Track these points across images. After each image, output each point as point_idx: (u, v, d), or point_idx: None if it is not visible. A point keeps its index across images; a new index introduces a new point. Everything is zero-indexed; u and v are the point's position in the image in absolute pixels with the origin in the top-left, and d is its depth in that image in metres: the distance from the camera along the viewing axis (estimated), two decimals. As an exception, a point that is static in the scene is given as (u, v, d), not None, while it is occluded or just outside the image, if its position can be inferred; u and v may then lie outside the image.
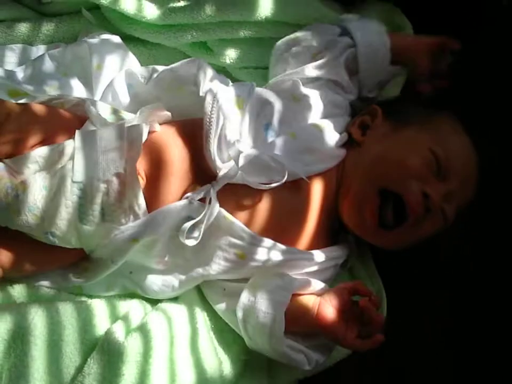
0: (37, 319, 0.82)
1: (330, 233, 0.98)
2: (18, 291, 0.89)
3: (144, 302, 0.92)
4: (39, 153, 0.85)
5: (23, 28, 1.10)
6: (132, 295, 0.93)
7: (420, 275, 1.05)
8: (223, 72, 1.14)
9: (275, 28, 1.10)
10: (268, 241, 0.90)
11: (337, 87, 1.02)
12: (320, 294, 0.91)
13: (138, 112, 0.92)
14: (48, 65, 1.03)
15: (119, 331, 0.82)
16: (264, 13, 1.08)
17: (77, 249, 0.89)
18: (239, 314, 0.88)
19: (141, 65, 1.07)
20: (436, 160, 0.93)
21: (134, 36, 1.11)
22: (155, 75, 0.98)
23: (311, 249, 0.94)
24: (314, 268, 0.94)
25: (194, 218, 0.87)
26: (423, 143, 0.94)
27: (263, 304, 0.87)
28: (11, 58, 1.07)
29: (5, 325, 0.80)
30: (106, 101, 0.98)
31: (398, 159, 0.93)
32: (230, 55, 1.12)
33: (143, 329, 0.83)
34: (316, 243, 0.95)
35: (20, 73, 1.02)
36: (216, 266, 0.91)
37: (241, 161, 0.88)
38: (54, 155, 0.86)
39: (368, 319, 0.86)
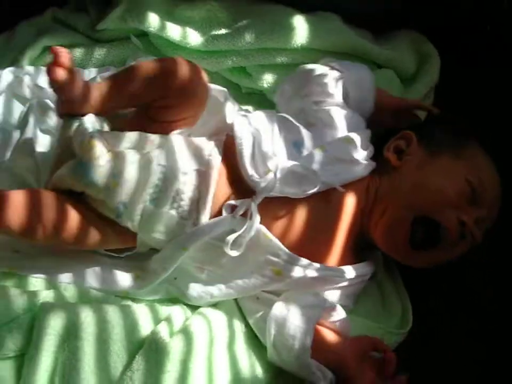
0: (89, 318, 0.88)
1: (359, 248, 1.03)
2: (70, 293, 0.95)
3: (185, 307, 0.98)
4: (133, 135, 0.93)
5: (77, 52, 1.19)
6: (173, 301, 0.98)
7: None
8: (260, 96, 1.22)
9: (309, 55, 1.18)
10: (303, 260, 0.94)
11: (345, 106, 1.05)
12: (342, 326, 0.94)
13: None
14: (99, 85, 1.12)
15: (164, 332, 0.88)
16: (299, 41, 1.15)
17: (126, 238, 0.95)
18: (271, 324, 0.92)
19: None
20: (471, 190, 0.97)
21: (178, 61, 1.20)
22: None
23: (342, 265, 0.98)
24: (344, 284, 0.98)
25: (236, 231, 0.92)
26: (459, 173, 0.97)
27: (295, 318, 0.91)
28: (66, 81, 1.17)
29: (60, 322, 0.86)
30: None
31: (437, 189, 0.96)
32: (268, 79, 1.19)
33: (186, 331, 0.88)
34: (346, 258, 1.00)
35: (75, 94, 1.11)
36: (254, 280, 0.95)
37: (278, 174, 0.93)
38: (145, 141, 0.94)
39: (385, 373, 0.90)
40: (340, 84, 1.04)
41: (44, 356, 0.85)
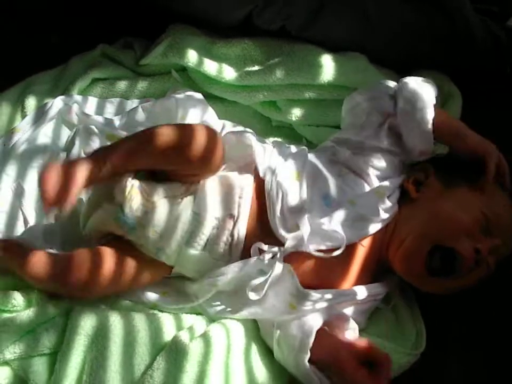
0: (117, 321, 0.95)
1: (375, 272, 1.06)
2: (102, 302, 1.01)
3: (206, 318, 1.03)
4: (170, 184, 0.99)
5: (122, 85, 1.28)
6: (197, 312, 1.04)
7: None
8: (289, 129, 1.28)
9: (336, 91, 1.24)
10: (315, 296, 0.98)
11: (385, 152, 1.06)
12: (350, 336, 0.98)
13: (230, 162, 1.03)
14: (140, 115, 1.18)
15: (184, 336, 0.94)
16: (326, 77, 1.22)
17: (166, 268, 1.02)
18: (276, 324, 0.98)
19: (218, 118, 1.20)
20: (485, 220, 1.00)
21: (213, 94, 1.26)
22: (223, 131, 1.11)
23: (356, 285, 1.02)
24: (356, 302, 1.02)
25: (263, 271, 0.97)
26: (475, 205, 1.01)
27: (300, 320, 0.97)
28: (110, 109, 1.25)
29: (90, 323, 0.93)
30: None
31: (452, 218, 1.00)
32: (296, 113, 1.25)
33: (205, 336, 0.94)
34: (361, 280, 1.04)
35: (117, 121, 1.18)
36: (269, 312, 1.00)
37: (306, 235, 0.97)
38: (178, 188, 0.99)
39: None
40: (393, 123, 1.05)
41: (74, 354, 0.92)
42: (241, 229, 0.99)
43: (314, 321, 0.97)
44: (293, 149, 1.11)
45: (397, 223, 1.04)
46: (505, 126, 1.26)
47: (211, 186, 1.00)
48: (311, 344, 0.94)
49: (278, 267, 0.97)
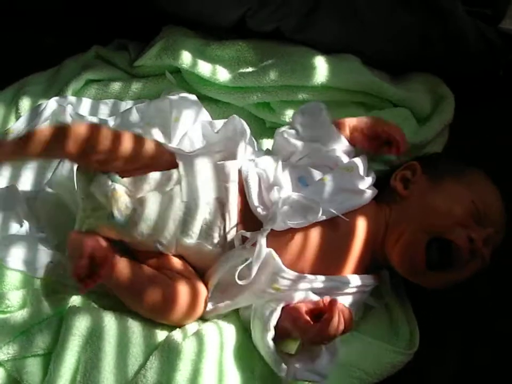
0: (112, 322, 0.95)
1: (366, 266, 1.06)
2: (96, 301, 1.02)
3: (199, 320, 1.03)
4: (153, 176, 1.00)
5: (116, 86, 1.28)
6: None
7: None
8: (283, 130, 1.30)
9: (329, 92, 1.24)
10: (309, 277, 0.99)
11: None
12: None
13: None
14: (134, 116, 1.19)
15: (177, 335, 0.95)
16: (319, 79, 1.22)
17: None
18: (253, 308, 1.00)
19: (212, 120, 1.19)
20: (476, 210, 1.02)
21: (207, 96, 1.27)
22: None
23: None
24: (346, 291, 1.03)
25: (247, 259, 0.98)
26: (463, 195, 1.04)
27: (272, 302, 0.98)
28: (104, 110, 1.26)
29: (85, 323, 0.94)
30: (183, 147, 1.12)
31: (444, 209, 1.03)
32: (290, 114, 1.24)
33: (198, 335, 0.95)
34: (350, 271, 1.04)
35: (111, 122, 1.19)
36: (256, 295, 1.00)
37: (280, 206, 0.99)
38: (163, 179, 1.01)
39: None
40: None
41: (68, 355, 0.92)
42: (232, 212, 1.00)
43: (283, 298, 0.98)
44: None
45: (390, 222, 1.06)
46: (497, 128, 1.28)
47: (194, 174, 1.01)
48: (274, 321, 0.95)
49: (261, 251, 0.97)
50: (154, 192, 1.00)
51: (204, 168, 1.03)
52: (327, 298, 0.95)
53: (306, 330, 0.93)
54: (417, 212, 1.05)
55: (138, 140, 1.01)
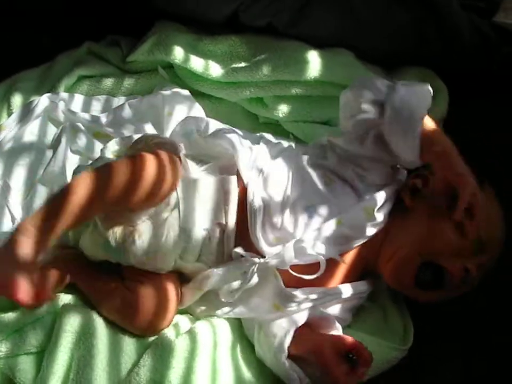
0: (104, 320, 0.95)
1: (361, 271, 1.05)
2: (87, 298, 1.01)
3: (192, 317, 1.03)
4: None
5: (108, 82, 1.27)
6: (181, 312, 1.03)
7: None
8: (276, 125, 1.28)
9: (322, 87, 1.23)
10: (300, 297, 0.97)
11: (373, 160, 1.02)
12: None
13: (213, 163, 1.01)
14: (127, 112, 1.19)
15: (170, 333, 0.94)
16: (313, 74, 1.21)
17: None
18: (258, 322, 0.98)
19: (206, 115, 1.21)
20: (480, 243, 0.98)
21: (200, 91, 1.26)
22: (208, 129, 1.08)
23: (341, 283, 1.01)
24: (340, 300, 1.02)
25: (246, 272, 0.96)
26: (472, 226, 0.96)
27: (281, 320, 0.97)
28: (97, 107, 1.25)
29: (78, 321, 0.93)
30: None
31: (449, 240, 0.97)
32: (283, 109, 1.24)
33: (191, 333, 0.94)
34: (346, 280, 1.02)
35: (104, 118, 1.19)
36: (254, 312, 0.99)
37: (286, 252, 0.94)
38: (161, 206, 0.95)
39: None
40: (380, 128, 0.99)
41: (61, 352, 0.91)
42: (231, 235, 0.98)
43: (295, 320, 0.97)
44: (283, 145, 1.11)
45: (389, 232, 1.01)
46: (491, 123, 1.28)
47: (193, 196, 0.97)
48: (288, 343, 0.94)
49: (255, 278, 0.96)
50: (149, 221, 0.96)
51: (203, 187, 0.97)
52: (356, 343, 0.92)
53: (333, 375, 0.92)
54: (417, 231, 1.00)
55: (162, 176, 0.92)
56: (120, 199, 0.89)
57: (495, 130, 1.26)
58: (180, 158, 0.97)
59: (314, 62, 1.23)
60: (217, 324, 0.99)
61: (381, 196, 0.98)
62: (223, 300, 0.97)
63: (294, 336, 0.95)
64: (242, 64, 1.25)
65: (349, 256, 1.01)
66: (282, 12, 1.26)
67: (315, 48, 1.26)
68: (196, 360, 0.91)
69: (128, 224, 0.95)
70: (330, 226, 0.97)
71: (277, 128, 1.28)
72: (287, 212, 0.98)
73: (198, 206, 0.96)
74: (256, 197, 0.97)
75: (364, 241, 1.00)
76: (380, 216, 0.98)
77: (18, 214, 1.11)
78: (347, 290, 1.02)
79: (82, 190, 0.87)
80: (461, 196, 0.93)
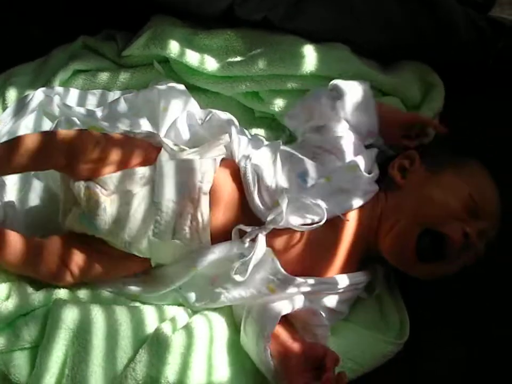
0: (99, 315, 0.94)
1: (359, 260, 1.07)
2: (83, 294, 1.01)
3: (189, 310, 1.03)
4: (120, 175, 0.98)
5: (104, 76, 1.26)
6: (179, 304, 1.04)
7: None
8: (272, 119, 1.28)
9: (318, 81, 1.23)
10: (298, 280, 0.98)
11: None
12: (320, 332, 0.98)
13: (200, 147, 1.03)
14: (122, 106, 1.18)
15: (166, 328, 0.94)
16: (308, 68, 1.21)
17: (144, 261, 1.01)
18: (246, 308, 0.99)
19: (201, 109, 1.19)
20: (473, 203, 1.01)
21: (196, 85, 1.25)
22: (208, 117, 1.11)
23: (337, 274, 1.03)
24: (338, 290, 1.03)
25: (244, 255, 0.97)
26: (462, 188, 1.03)
27: (268, 305, 0.97)
28: (92, 101, 1.25)
29: (71, 316, 0.93)
30: (169, 137, 1.10)
31: (441, 202, 1.01)
32: (278, 104, 1.24)
33: (187, 328, 0.94)
34: (343, 269, 1.04)
35: (99, 113, 1.18)
36: (250, 294, 0.99)
37: (284, 208, 0.97)
38: (137, 178, 0.98)
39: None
40: (340, 105, 1.09)
41: (55, 348, 0.91)
42: (205, 212, 0.98)
43: (281, 308, 0.96)
44: (266, 142, 1.14)
45: (384, 210, 1.05)
46: (487, 117, 1.27)
47: (169, 171, 0.99)
48: (272, 330, 0.93)
49: (260, 249, 0.97)
50: (127, 191, 0.98)
51: (182, 166, 1.00)
52: (332, 354, 0.91)
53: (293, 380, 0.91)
54: (412, 202, 1.04)
55: (128, 142, 1.00)
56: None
57: (491, 124, 1.26)
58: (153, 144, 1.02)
59: (310, 56, 1.22)
60: (213, 318, 0.99)
61: (362, 157, 1.06)
62: (236, 279, 0.96)
63: (271, 336, 0.94)
64: (238, 58, 1.25)
65: (347, 231, 1.02)
66: (278, 6, 1.25)
67: (311, 42, 1.25)
68: (192, 355, 0.91)
69: (104, 195, 0.97)
70: (320, 183, 1.02)
71: (273, 123, 1.28)
72: (280, 174, 1.02)
73: (171, 181, 0.98)
74: (248, 169, 1.01)
75: (361, 201, 1.02)
76: (365, 178, 1.04)
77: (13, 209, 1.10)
78: (343, 280, 1.02)
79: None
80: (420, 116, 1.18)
